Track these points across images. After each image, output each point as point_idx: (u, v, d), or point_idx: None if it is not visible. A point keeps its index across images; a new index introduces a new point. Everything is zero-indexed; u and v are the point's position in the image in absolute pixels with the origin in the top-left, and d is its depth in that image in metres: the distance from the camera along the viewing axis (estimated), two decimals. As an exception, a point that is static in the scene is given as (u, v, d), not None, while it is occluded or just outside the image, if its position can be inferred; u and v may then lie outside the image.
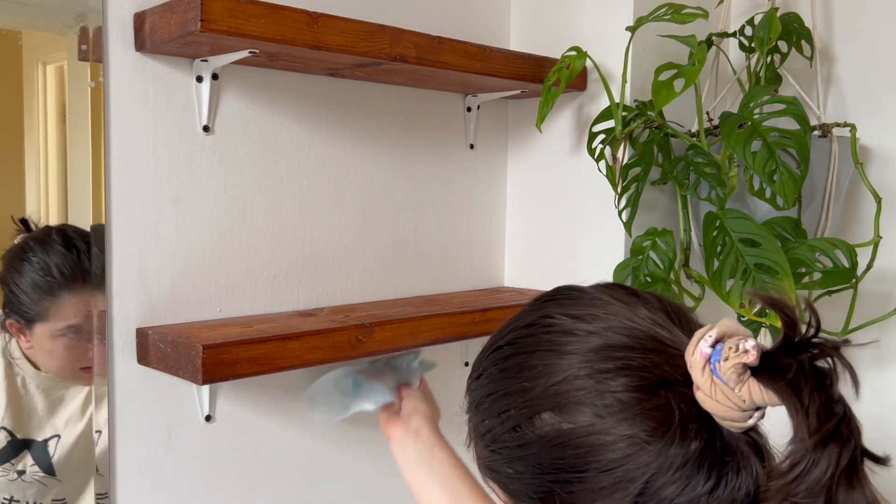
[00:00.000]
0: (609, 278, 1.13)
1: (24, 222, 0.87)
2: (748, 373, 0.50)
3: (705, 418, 0.53)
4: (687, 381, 0.53)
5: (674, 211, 1.25)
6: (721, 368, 0.50)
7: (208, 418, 1.02)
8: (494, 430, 0.59)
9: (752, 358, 0.50)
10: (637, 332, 0.56)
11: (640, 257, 1.08)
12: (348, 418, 1.04)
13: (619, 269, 1.12)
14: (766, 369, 0.50)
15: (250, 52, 0.91)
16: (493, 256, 1.37)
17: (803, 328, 0.50)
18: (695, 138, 1.11)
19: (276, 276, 1.08)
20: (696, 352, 0.52)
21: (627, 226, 1.13)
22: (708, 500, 0.52)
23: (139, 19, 0.92)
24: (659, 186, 1.22)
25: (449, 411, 1.33)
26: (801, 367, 0.49)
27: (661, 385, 0.53)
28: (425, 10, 1.22)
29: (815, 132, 1.09)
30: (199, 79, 0.98)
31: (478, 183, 1.33)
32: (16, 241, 0.87)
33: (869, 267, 1.08)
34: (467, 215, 1.32)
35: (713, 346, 0.51)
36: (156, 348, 0.91)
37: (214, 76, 0.99)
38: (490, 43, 1.21)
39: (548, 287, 1.31)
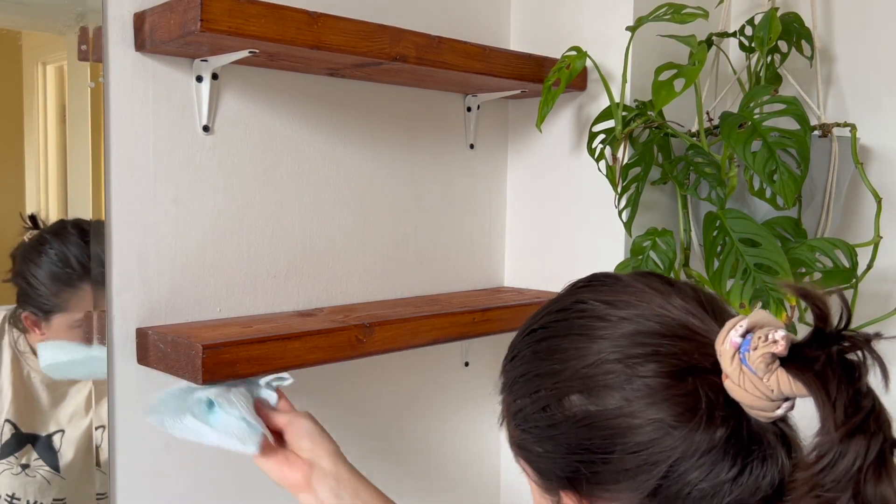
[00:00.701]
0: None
1: (33, 218, 0.88)
2: (777, 363, 0.50)
3: (733, 407, 0.53)
4: (716, 370, 0.54)
5: (674, 211, 1.25)
6: (750, 358, 0.51)
7: (208, 418, 1.02)
8: (525, 409, 0.60)
9: (780, 348, 0.50)
10: (669, 319, 0.56)
11: (640, 257, 1.08)
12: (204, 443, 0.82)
13: (619, 269, 1.12)
14: (795, 360, 0.50)
15: (250, 52, 0.91)
16: (493, 256, 1.37)
17: (834, 321, 0.50)
18: (695, 138, 1.11)
19: (276, 276, 1.07)
20: (726, 341, 0.52)
21: (627, 226, 1.13)
22: (731, 486, 0.53)
23: (139, 19, 0.92)
24: (659, 186, 1.22)
25: (449, 411, 1.33)
26: (830, 358, 0.49)
27: (690, 372, 0.54)
28: (425, 10, 1.22)
29: (815, 132, 1.09)
30: (199, 79, 0.98)
31: (478, 183, 1.33)
32: (25, 238, 0.87)
33: (869, 267, 1.08)
34: (467, 215, 1.32)
35: (743, 335, 0.52)
36: (156, 348, 0.91)
37: (214, 76, 0.99)
38: (490, 43, 1.21)
39: (548, 287, 1.31)
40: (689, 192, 1.11)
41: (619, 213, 1.16)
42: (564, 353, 0.58)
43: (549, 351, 0.59)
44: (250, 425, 0.81)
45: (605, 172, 1.15)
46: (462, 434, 1.36)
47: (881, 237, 1.08)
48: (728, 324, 0.53)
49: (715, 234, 1.04)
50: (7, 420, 0.87)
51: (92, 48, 0.90)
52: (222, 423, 0.81)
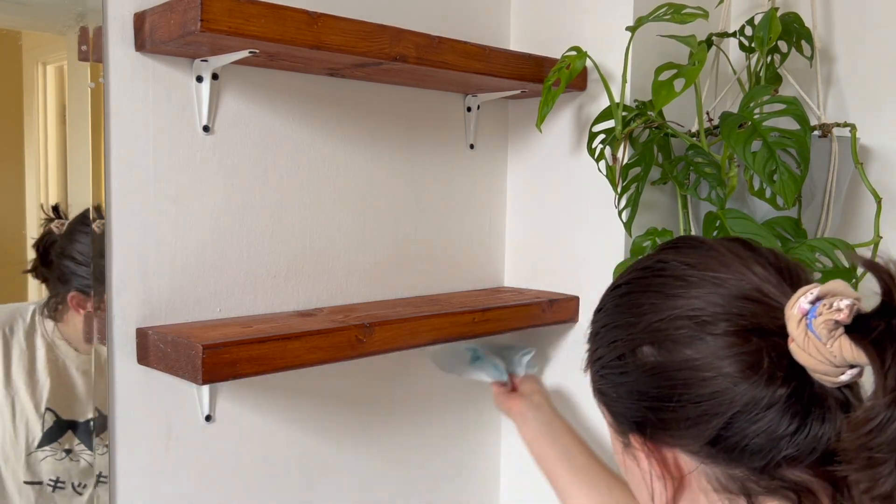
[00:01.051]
0: (609, 278, 1.13)
1: (56, 209, 0.89)
2: (841, 330, 0.53)
3: (796, 369, 0.56)
4: (782, 333, 0.56)
5: (674, 211, 1.25)
6: (815, 323, 0.53)
7: (208, 418, 1.02)
8: (604, 357, 0.65)
9: (843, 316, 0.52)
10: (744, 283, 0.59)
11: (640, 257, 1.08)
12: (461, 379, 1.25)
13: (619, 268, 1.12)
14: (858, 329, 0.53)
15: (250, 52, 0.91)
16: (493, 256, 1.37)
17: None
18: (695, 138, 1.11)
19: (276, 276, 1.07)
20: (796, 306, 0.55)
21: (627, 226, 1.13)
22: (788, 443, 0.56)
23: (139, 19, 0.92)
24: (659, 186, 1.22)
25: (449, 411, 1.33)
26: (889, 328, 0.51)
27: (756, 333, 0.57)
28: (425, 10, 1.22)
29: (815, 132, 1.09)
30: (199, 79, 0.98)
31: (478, 183, 1.33)
32: (53, 227, 0.89)
33: (869, 267, 1.08)
34: (467, 215, 1.32)
35: (813, 302, 0.54)
36: (156, 348, 0.92)
37: (214, 76, 0.99)
38: (490, 43, 1.21)
39: (548, 287, 1.31)
40: (689, 192, 1.11)
41: (619, 213, 1.16)
42: (641, 307, 0.63)
43: (628, 305, 0.64)
44: (499, 371, 1.18)
45: (605, 172, 1.15)
46: (462, 435, 1.36)
47: (881, 237, 1.08)
48: (800, 290, 0.55)
49: (715, 234, 1.04)
50: (48, 408, 0.90)
51: (92, 48, 0.90)
52: (481, 366, 1.19)
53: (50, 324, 0.90)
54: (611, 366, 0.64)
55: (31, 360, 0.89)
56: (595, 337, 0.68)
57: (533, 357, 1.23)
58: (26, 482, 0.89)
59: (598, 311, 0.69)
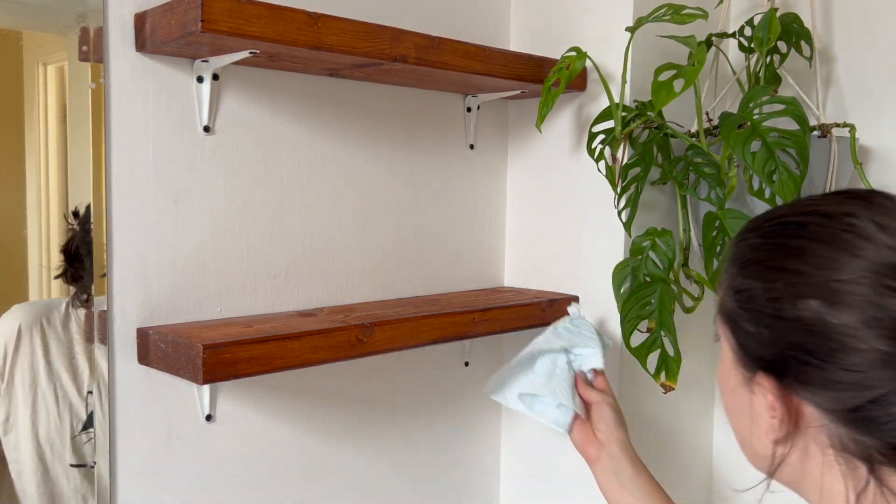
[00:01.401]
0: (608, 278, 1.13)
1: (76, 214, 0.91)
2: None
3: None
4: None
5: (673, 211, 1.25)
6: None
7: (208, 418, 1.02)
8: (753, 291, 0.62)
9: None
10: None
11: (640, 257, 1.08)
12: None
13: (619, 268, 1.12)
14: None
15: (250, 53, 0.91)
16: (493, 256, 1.37)
17: None
18: (694, 138, 1.11)
19: (276, 276, 1.08)
20: None
21: (627, 226, 1.13)
22: None
23: (139, 20, 0.92)
24: (659, 186, 1.22)
25: (449, 411, 1.33)
26: None
27: None
28: (425, 10, 1.22)
29: (815, 132, 1.09)
30: (200, 79, 0.98)
31: (478, 183, 1.33)
32: (76, 227, 0.92)
33: (868, 267, 1.08)
34: (467, 215, 1.32)
35: None
36: (156, 348, 0.92)
37: (215, 76, 0.99)
38: (490, 43, 1.21)
39: (548, 287, 1.31)
40: (688, 193, 1.11)
41: (619, 214, 1.16)
42: (820, 259, 0.58)
43: (802, 251, 0.60)
44: (564, 410, 1.01)
45: (604, 173, 1.15)
46: (462, 434, 1.36)
47: (880, 237, 1.08)
48: None
49: (714, 234, 1.04)
50: (90, 392, 0.93)
51: (93, 48, 0.90)
52: (542, 412, 1.02)
53: (83, 313, 0.93)
54: (760, 303, 0.61)
55: (69, 348, 0.92)
56: (745, 265, 0.63)
57: (607, 345, 1.09)
58: (72, 465, 0.93)
59: (755, 236, 0.64)
